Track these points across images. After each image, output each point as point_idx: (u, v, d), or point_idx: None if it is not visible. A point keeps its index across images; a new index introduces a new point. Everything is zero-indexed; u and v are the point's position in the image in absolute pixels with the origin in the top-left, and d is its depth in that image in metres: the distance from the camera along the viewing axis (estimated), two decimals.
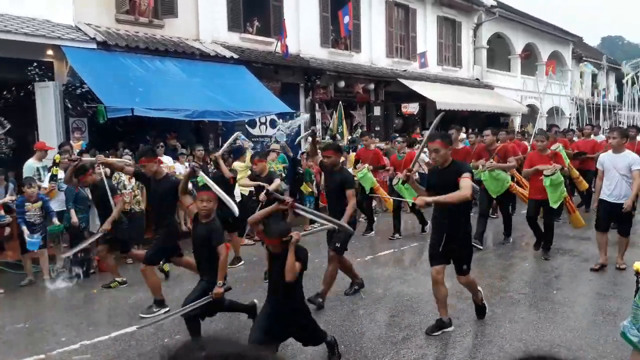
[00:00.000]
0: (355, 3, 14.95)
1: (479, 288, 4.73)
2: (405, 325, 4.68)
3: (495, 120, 19.05)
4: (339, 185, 5.24)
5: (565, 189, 6.91)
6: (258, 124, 12.61)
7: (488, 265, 6.78)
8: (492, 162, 7.28)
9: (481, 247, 7.30)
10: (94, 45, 9.19)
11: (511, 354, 4.04)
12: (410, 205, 8.25)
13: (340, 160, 5.64)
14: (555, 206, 6.76)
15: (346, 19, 13.74)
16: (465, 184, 4.07)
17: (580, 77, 22.28)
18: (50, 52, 8.99)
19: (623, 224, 6.21)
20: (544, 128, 18.60)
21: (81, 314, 5.30)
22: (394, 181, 7.90)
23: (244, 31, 12.65)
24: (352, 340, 4.37)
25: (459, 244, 4.38)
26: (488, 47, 21.25)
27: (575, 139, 11.71)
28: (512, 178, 8.02)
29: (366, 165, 8.52)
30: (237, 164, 8.31)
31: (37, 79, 8.62)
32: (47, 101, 8.68)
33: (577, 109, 19.95)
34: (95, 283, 6.38)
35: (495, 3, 20.28)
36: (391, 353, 4.12)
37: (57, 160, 6.96)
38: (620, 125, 15.39)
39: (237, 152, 8.71)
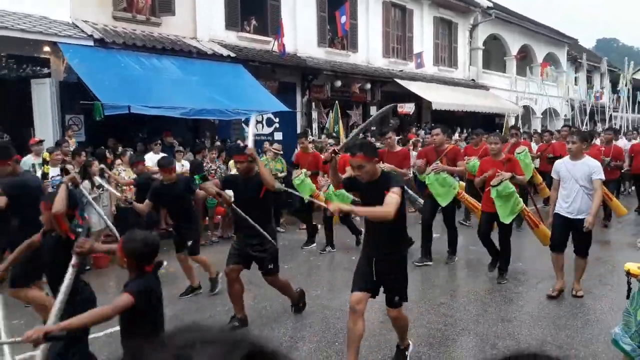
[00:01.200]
0: (353, 3, 14.99)
1: (408, 336, 4.04)
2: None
3: (491, 121, 19.15)
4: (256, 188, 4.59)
5: (520, 200, 5.91)
6: (254, 122, 12.63)
7: (483, 263, 6.84)
8: (437, 164, 6.49)
9: (430, 263, 6.64)
10: (91, 43, 9.19)
11: (504, 352, 4.08)
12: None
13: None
14: (507, 221, 5.82)
15: (343, 19, 13.78)
16: (390, 200, 3.34)
17: (575, 83, 22.38)
18: (47, 48, 8.99)
19: (581, 244, 5.29)
20: (538, 129, 18.70)
21: None
22: (324, 188, 7.15)
23: (241, 30, 12.67)
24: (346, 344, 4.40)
25: (388, 270, 3.69)
26: (484, 48, 21.34)
27: (553, 141, 11.25)
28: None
29: (303, 170, 7.55)
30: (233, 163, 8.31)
31: (33, 75, 8.61)
32: (44, 98, 8.68)
33: (572, 110, 20.07)
34: (91, 279, 6.37)
35: (491, 4, 20.37)
36: (386, 350, 4.15)
37: (47, 159, 6.95)
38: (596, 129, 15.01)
39: (235, 150, 8.70)
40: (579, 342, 4.26)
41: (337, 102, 13.69)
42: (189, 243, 5.73)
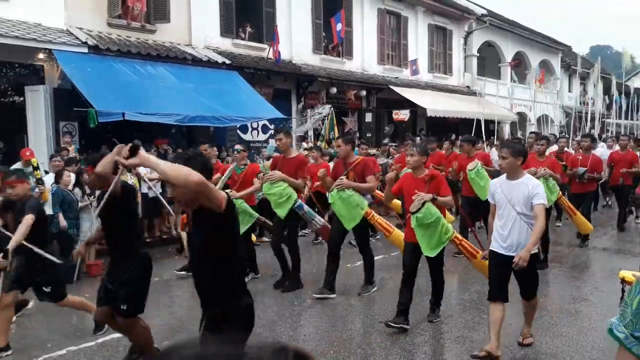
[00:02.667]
0: (348, 10, 15.05)
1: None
2: (394, 331, 4.69)
3: (485, 128, 19.19)
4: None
5: (448, 227, 4.70)
6: (250, 129, 12.63)
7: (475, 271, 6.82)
8: (342, 180, 5.49)
9: (332, 296, 5.58)
10: (86, 50, 9.17)
11: None
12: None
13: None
14: (432, 255, 4.60)
15: (339, 26, 13.83)
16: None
17: (569, 90, 22.53)
18: (41, 55, 8.96)
19: (526, 285, 4.17)
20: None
21: (68, 319, 5.26)
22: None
23: (236, 37, 12.68)
24: (342, 346, 4.38)
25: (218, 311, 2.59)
26: (478, 55, 21.45)
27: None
28: None
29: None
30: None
31: (27, 82, 8.58)
32: (38, 105, 8.65)
33: (566, 117, 20.19)
34: (84, 288, 6.33)
35: (485, 12, 20.50)
36: (380, 357, 4.13)
37: (36, 164, 6.92)
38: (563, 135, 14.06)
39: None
40: (574, 350, 4.24)
41: (332, 108, 13.70)
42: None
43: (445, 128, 16.50)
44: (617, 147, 10.24)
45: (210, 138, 11.58)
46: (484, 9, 20.49)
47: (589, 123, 17.94)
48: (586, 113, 19.53)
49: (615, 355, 1.26)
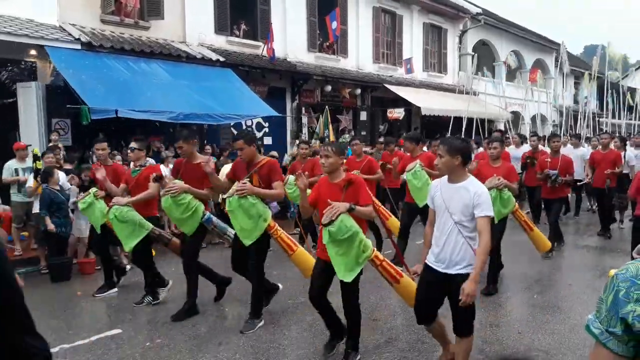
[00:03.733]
0: (343, 8, 15.04)
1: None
2: (387, 329, 4.70)
3: (480, 127, 19.22)
4: None
5: (367, 244, 3.82)
6: (244, 127, 12.60)
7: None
8: (244, 184, 4.52)
9: (260, 324, 4.76)
10: (78, 46, 9.12)
11: (492, 358, 4.08)
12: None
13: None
14: (348, 279, 3.73)
15: (334, 25, 13.81)
16: None
17: (563, 88, 22.62)
18: (33, 52, 8.90)
19: (458, 317, 3.42)
20: (527, 134, 18.78)
21: (61, 317, 5.23)
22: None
23: (230, 34, 12.64)
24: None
25: None
26: (473, 54, 21.49)
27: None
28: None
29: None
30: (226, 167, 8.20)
31: (19, 79, 8.52)
32: (30, 101, 8.59)
33: (560, 116, 20.28)
34: (77, 286, 6.30)
35: (480, 10, 20.55)
36: (373, 356, 4.13)
37: (38, 154, 6.92)
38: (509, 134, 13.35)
39: (233, 156, 8.66)
40: (566, 347, 4.26)
41: (327, 107, 13.70)
42: None
43: (440, 127, 16.53)
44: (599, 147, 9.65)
45: (204, 136, 11.57)
46: (479, 7, 20.53)
47: (583, 122, 18.00)
48: (579, 112, 19.61)
49: (592, 352, 1.28)
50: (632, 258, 1.74)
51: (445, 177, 3.44)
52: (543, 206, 8.16)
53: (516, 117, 21.73)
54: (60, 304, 5.67)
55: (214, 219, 5.22)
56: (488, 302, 5.43)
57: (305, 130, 14.15)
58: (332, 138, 13.34)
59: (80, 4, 9.85)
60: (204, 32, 11.89)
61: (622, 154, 9.21)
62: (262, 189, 4.61)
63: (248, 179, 4.61)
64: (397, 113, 16.24)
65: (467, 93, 16.28)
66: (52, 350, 4.27)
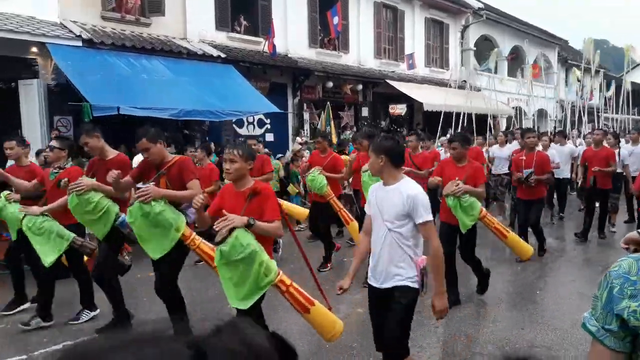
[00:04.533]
0: (344, 4, 14.99)
1: None
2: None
3: (483, 122, 19.17)
4: None
5: (271, 266, 3.21)
6: (246, 123, 12.61)
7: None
8: (148, 187, 3.84)
9: None
10: (80, 43, 9.11)
11: (494, 354, 4.08)
12: None
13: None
14: (244, 306, 3.17)
15: (335, 20, 13.77)
16: None
17: (566, 84, 22.52)
18: (34, 49, 8.90)
19: (389, 332, 2.96)
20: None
21: (65, 313, 5.24)
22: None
23: (231, 30, 12.62)
24: (333, 344, 4.37)
25: None
26: (475, 49, 21.41)
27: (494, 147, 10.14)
28: None
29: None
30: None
31: (21, 76, 8.52)
32: (31, 99, 8.59)
33: (563, 112, 20.22)
34: (73, 287, 6.30)
35: (482, 5, 20.46)
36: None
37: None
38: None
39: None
40: (568, 343, 4.26)
41: (328, 103, 13.68)
42: None
43: (444, 122, 16.48)
44: (585, 144, 9.41)
45: (206, 132, 11.57)
46: (481, 2, 20.44)
47: (583, 117, 17.93)
48: (582, 107, 19.54)
49: (589, 350, 1.28)
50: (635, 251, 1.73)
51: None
52: (518, 208, 7.22)
53: (518, 112, 21.68)
54: (64, 300, 5.67)
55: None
56: (490, 298, 5.43)
57: (307, 126, 14.14)
58: (333, 134, 13.34)
59: (81, 1, 9.84)
60: (205, 29, 11.87)
61: (617, 151, 8.60)
62: (174, 190, 3.92)
63: (154, 182, 3.94)
64: (399, 109, 16.21)
65: (471, 88, 16.22)
66: (55, 347, 4.28)
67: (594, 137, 8.57)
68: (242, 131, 12.52)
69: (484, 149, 9.82)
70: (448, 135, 10.92)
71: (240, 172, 3.27)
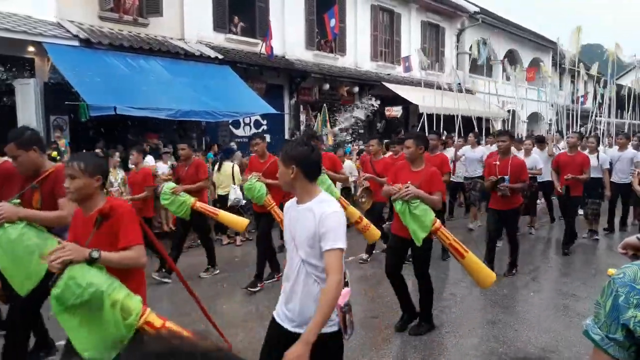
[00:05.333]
0: (341, 6, 15.05)
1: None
2: (385, 326, 4.73)
3: (478, 125, 19.27)
4: None
5: (127, 307, 2.36)
6: (242, 124, 12.64)
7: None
8: (3, 206, 2.99)
9: None
10: (77, 43, 9.12)
11: (489, 355, 4.12)
12: None
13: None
14: (87, 355, 2.32)
15: (332, 22, 13.82)
16: None
17: (560, 87, 22.63)
18: (31, 48, 8.89)
19: None
20: (524, 133, 18.78)
21: None
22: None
23: (229, 32, 12.64)
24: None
25: None
26: (471, 52, 21.52)
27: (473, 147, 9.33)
28: None
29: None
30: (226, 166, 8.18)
31: (17, 75, 8.52)
32: (28, 98, 8.58)
33: (556, 115, 20.34)
34: None
35: (478, 9, 20.58)
36: (371, 353, 4.16)
37: (54, 157, 6.98)
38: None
39: (227, 153, 8.67)
40: (562, 344, 4.31)
41: (325, 105, 13.72)
42: None
43: (438, 125, 16.55)
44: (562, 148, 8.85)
45: (203, 133, 11.58)
46: (477, 6, 20.56)
47: (575, 120, 18.05)
48: (576, 111, 19.67)
49: (591, 358, 1.27)
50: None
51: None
52: (489, 219, 6.44)
53: (512, 115, 21.80)
54: None
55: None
56: (485, 300, 5.48)
57: (303, 128, 14.17)
58: (330, 137, 13.38)
59: (79, 1, 9.84)
60: (203, 30, 11.89)
61: (596, 155, 8.36)
62: (38, 211, 3.18)
63: (19, 198, 3.16)
64: (395, 111, 16.27)
65: (467, 92, 16.30)
66: (59, 343, 4.28)
67: (568, 141, 7.96)
68: (239, 132, 12.55)
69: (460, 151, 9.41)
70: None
71: (84, 192, 2.53)
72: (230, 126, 12.30)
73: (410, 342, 4.38)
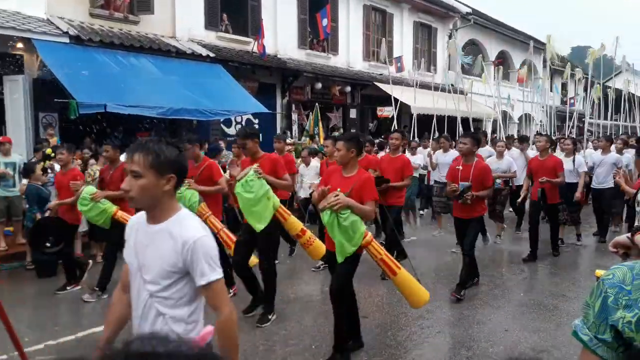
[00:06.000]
0: (333, 6, 15.03)
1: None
2: (376, 325, 4.72)
3: (468, 126, 19.34)
4: None
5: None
6: (234, 123, 12.57)
7: (458, 268, 6.90)
8: None
9: None
10: (67, 40, 9.02)
11: (479, 355, 4.12)
12: None
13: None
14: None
15: (324, 22, 13.81)
16: None
17: (551, 89, 22.74)
18: (20, 45, 8.78)
19: None
20: (515, 134, 18.85)
21: (47, 313, 5.18)
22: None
23: (220, 30, 12.58)
24: (324, 341, 4.38)
25: None
26: (463, 53, 21.59)
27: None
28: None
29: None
30: None
31: (6, 72, 8.41)
32: (16, 95, 8.49)
33: (547, 117, 20.48)
34: (63, 282, 6.24)
35: (470, 10, 20.66)
36: (361, 353, 4.15)
37: (51, 154, 6.91)
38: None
39: (213, 151, 8.63)
40: (551, 344, 4.32)
41: (317, 104, 13.70)
42: None
43: (429, 125, 16.59)
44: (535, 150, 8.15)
45: (194, 132, 11.50)
46: (469, 7, 20.64)
47: (568, 122, 18.18)
48: (566, 113, 19.81)
49: (580, 357, 1.27)
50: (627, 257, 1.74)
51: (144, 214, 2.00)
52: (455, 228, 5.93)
53: (504, 116, 21.91)
54: (46, 300, 5.62)
55: None
56: (475, 300, 5.49)
57: (295, 127, 14.14)
58: (321, 135, 13.35)
59: None
60: (194, 28, 11.82)
61: (571, 158, 7.85)
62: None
63: None
64: (387, 111, 16.28)
65: (457, 92, 16.36)
66: (37, 347, 4.24)
67: (537, 145, 7.44)
68: (230, 131, 12.48)
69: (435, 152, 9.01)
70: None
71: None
72: (222, 125, 12.24)
73: (401, 342, 4.37)
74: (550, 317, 5.00)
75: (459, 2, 20.30)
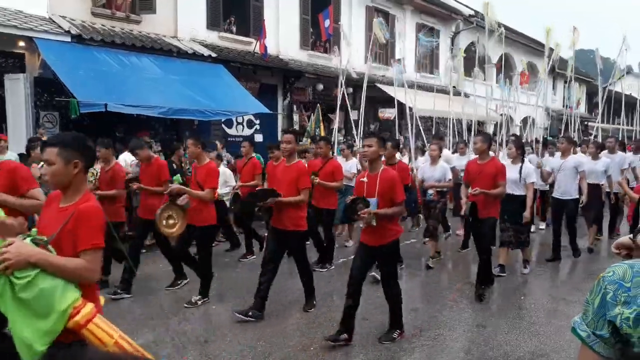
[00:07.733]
0: (336, 7, 15.03)
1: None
2: (375, 327, 4.70)
3: (470, 128, 19.32)
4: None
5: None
6: (235, 123, 12.57)
7: (459, 269, 6.88)
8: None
9: None
10: (68, 39, 9.01)
11: (478, 359, 4.10)
12: None
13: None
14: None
15: (327, 23, 13.78)
16: None
17: (553, 92, 22.71)
18: (22, 43, 8.79)
19: None
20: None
21: None
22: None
23: (222, 30, 12.58)
24: (320, 342, 4.37)
25: None
26: (465, 55, 21.57)
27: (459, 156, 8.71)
28: None
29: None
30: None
31: (7, 70, 8.42)
32: (17, 93, 8.48)
33: (550, 120, 20.47)
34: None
35: (473, 12, 20.65)
36: (360, 355, 4.13)
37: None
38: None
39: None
40: (551, 348, 4.30)
41: (318, 105, 13.68)
42: None
43: (431, 128, 16.60)
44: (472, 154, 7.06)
45: (195, 132, 11.50)
46: (472, 9, 20.63)
47: (570, 126, 18.16)
48: (569, 116, 19.78)
49: (579, 355, 1.28)
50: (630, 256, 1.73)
51: None
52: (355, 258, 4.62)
53: (506, 119, 21.88)
54: None
55: None
56: (475, 303, 5.46)
57: (296, 128, 14.12)
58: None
59: None
60: (196, 28, 11.81)
61: (520, 165, 6.31)
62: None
63: None
64: (389, 113, 16.26)
65: (460, 94, 16.35)
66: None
67: (474, 147, 5.92)
68: (231, 131, 12.48)
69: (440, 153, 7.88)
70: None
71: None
72: (223, 125, 12.23)
73: (399, 345, 4.35)
74: (549, 320, 4.98)
75: (461, 4, 20.30)
